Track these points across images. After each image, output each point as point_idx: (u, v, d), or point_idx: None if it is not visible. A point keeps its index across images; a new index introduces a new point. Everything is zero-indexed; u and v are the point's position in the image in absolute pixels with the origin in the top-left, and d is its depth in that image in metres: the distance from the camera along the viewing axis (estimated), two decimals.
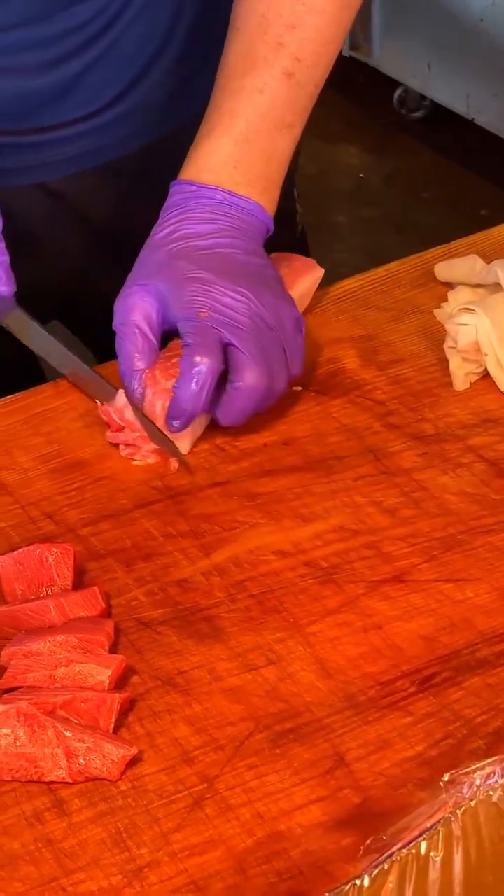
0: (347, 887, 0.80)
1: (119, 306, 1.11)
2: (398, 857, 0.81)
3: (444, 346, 1.18)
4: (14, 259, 1.13)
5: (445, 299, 1.24)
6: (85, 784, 0.87)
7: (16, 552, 0.99)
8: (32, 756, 0.87)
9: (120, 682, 0.92)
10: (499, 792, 0.84)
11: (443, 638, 0.95)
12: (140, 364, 1.10)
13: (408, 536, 1.03)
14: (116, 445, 1.12)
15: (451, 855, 0.83)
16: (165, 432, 1.10)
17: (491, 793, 0.84)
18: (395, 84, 3.79)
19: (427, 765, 0.86)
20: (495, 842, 0.84)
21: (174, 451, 1.10)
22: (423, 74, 3.61)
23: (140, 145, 1.30)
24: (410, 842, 0.82)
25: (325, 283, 1.27)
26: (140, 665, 0.94)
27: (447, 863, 0.83)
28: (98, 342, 1.46)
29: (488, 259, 1.25)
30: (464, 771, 0.85)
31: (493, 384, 1.16)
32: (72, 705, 0.89)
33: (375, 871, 0.80)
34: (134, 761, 0.87)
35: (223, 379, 1.08)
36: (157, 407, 1.09)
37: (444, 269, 1.28)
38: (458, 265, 1.26)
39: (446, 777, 0.85)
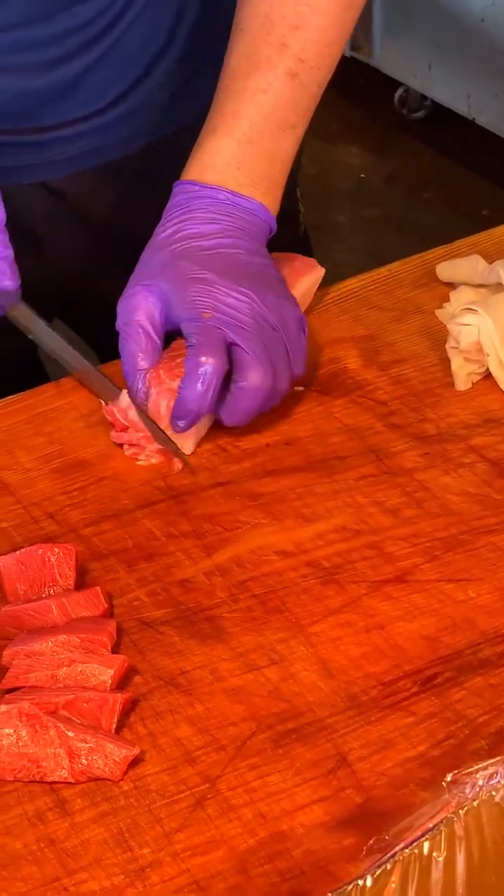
0: (350, 887, 0.80)
1: (122, 306, 1.11)
2: (401, 858, 0.81)
3: (446, 346, 1.18)
4: (16, 258, 1.13)
5: (447, 299, 1.24)
6: (87, 784, 0.87)
7: (18, 552, 0.99)
8: (35, 756, 0.87)
9: (122, 683, 0.92)
10: (501, 792, 0.84)
11: (445, 638, 0.95)
12: (144, 364, 1.10)
13: (410, 536, 1.03)
14: (120, 445, 1.12)
15: (454, 855, 0.83)
16: (168, 433, 1.10)
17: (493, 793, 0.84)
18: (395, 84, 3.79)
19: (429, 765, 0.86)
20: (498, 842, 0.84)
21: (177, 452, 1.10)
22: (423, 75, 3.61)
23: (141, 145, 1.30)
24: (413, 842, 0.82)
25: (326, 283, 1.27)
26: (142, 665, 0.94)
27: (450, 863, 0.83)
28: (100, 342, 1.46)
29: (490, 259, 1.25)
30: (466, 771, 0.85)
31: (495, 384, 1.16)
32: (74, 705, 0.89)
33: (378, 872, 0.80)
34: (136, 761, 0.87)
35: (227, 379, 1.08)
36: (162, 407, 1.09)
37: (446, 269, 1.28)
38: (460, 265, 1.26)
39: (449, 777, 0.85)
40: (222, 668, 0.93)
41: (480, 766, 0.85)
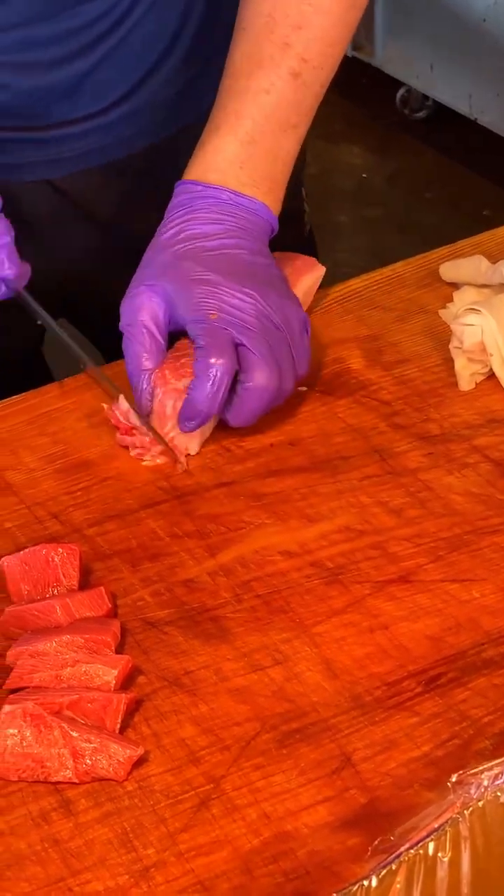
0: (355, 888, 0.80)
1: (126, 307, 1.11)
2: (406, 858, 0.81)
3: (450, 347, 1.18)
4: (22, 255, 1.13)
5: (451, 299, 1.24)
6: (91, 784, 0.87)
7: (22, 552, 0.99)
8: (39, 756, 0.87)
9: (126, 683, 0.92)
10: None
11: (449, 638, 0.95)
12: (148, 364, 1.10)
13: (413, 537, 1.03)
14: (126, 447, 1.12)
15: (459, 855, 0.83)
16: (172, 434, 1.10)
17: (499, 793, 0.84)
18: (397, 84, 3.79)
19: (433, 765, 0.86)
20: (503, 842, 0.84)
21: (175, 456, 1.10)
22: (425, 75, 3.61)
23: (145, 145, 1.30)
24: (418, 842, 0.82)
25: (328, 283, 1.27)
26: (146, 665, 0.94)
27: (455, 863, 0.83)
28: (104, 342, 1.46)
29: (494, 259, 1.25)
30: (471, 771, 0.85)
31: (499, 384, 1.16)
32: (78, 705, 0.89)
33: (383, 872, 0.80)
34: (140, 762, 0.87)
35: (232, 380, 1.08)
36: (168, 407, 1.09)
37: (450, 270, 1.28)
38: (463, 265, 1.26)
39: (454, 778, 0.85)
40: (226, 669, 0.93)
41: (486, 766, 0.85)
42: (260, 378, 1.07)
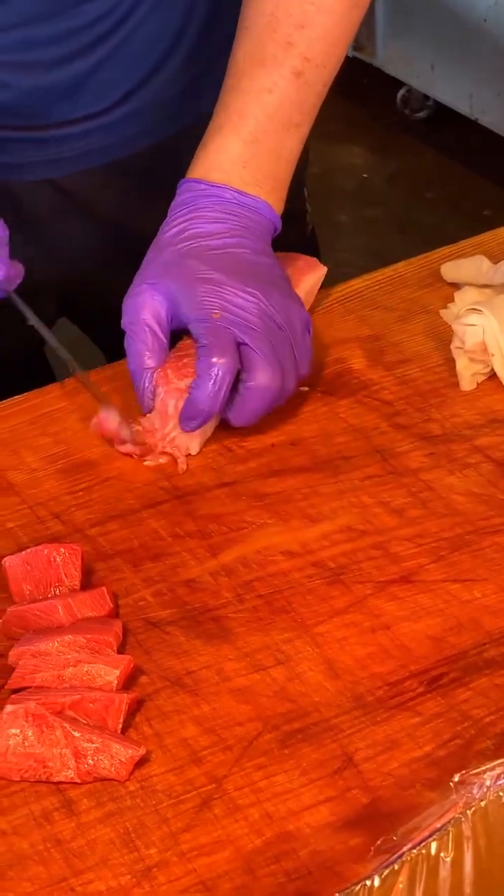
0: (358, 888, 0.80)
1: (128, 305, 1.11)
2: (408, 858, 0.81)
3: (451, 347, 1.18)
4: (22, 254, 1.13)
5: (452, 299, 1.24)
6: (93, 784, 0.87)
7: (24, 552, 0.99)
8: (41, 756, 0.87)
9: (128, 683, 0.92)
10: None
11: (450, 638, 0.95)
12: (150, 363, 1.10)
13: (415, 537, 1.03)
14: (128, 454, 1.11)
15: (462, 855, 0.83)
16: (174, 435, 1.10)
17: (501, 793, 0.84)
18: (398, 84, 3.79)
19: (435, 765, 0.86)
20: None
21: (175, 457, 1.10)
22: (426, 75, 3.61)
23: (147, 144, 1.30)
24: (421, 842, 0.82)
25: (328, 282, 1.27)
26: (148, 665, 0.94)
27: (457, 863, 0.83)
28: (105, 341, 1.47)
29: (495, 259, 1.25)
30: (474, 771, 0.85)
31: (500, 384, 1.16)
32: (80, 705, 0.89)
33: (386, 872, 0.80)
34: (142, 761, 0.87)
35: (234, 380, 1.08)
36: (170, 406, 1.09)
37: (451, 270, 1.28)
38: (464, 265, 1.26)
39: (456, 777, 0.85)
40: (228, 669, 0.93)
41: (488, 766, 0.85)
42: (262, 378, 1.07)
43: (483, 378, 1.17)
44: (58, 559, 0.98)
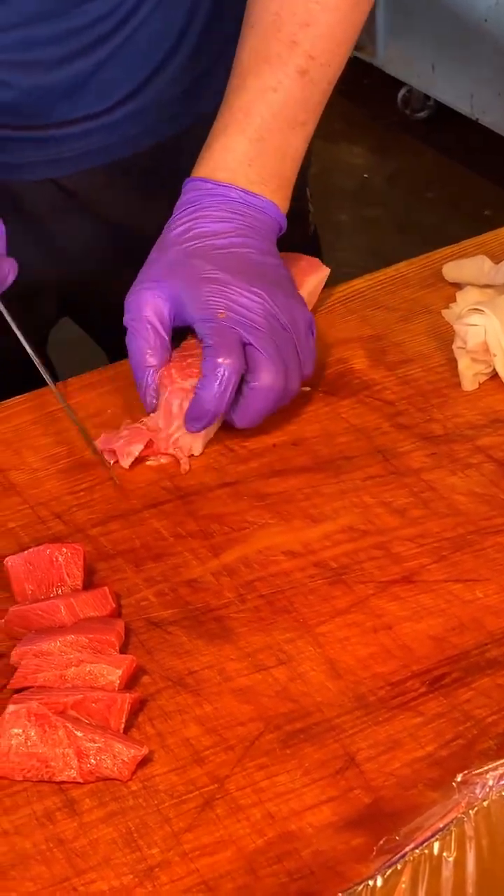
0: (360, 888, 0.80)
1: (130, 302, 1.11)
2: (411, 858, 0.81)
3: (453, 347, 1.18)
4: (23, 253, 1.13)
5: (454, 299, 1.24)
6: (96, 784, 0.87)
7: (26, 552, 0.99)
8: (43, 756, 0.87)
9: (130, 682, 0.92)
10: None
11: (452, 638, 0.95)
12: (152, 360, 1.10)
13: (417, 537, 1.03)
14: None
15: (464, 855, 0.83)
16: (178, 436, 1.10)
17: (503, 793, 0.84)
18: (398, 84, 3.79)
19: (437, 765, 0.86)
20: None
21: (108, 467, 1.10)
22: (426, 74, 3.61)
23: (150, 144, 1.30)
24: (423, 842, 0.82)
25: (330, 282, 1.27)
26: (150, 665, 0.94)
27: (460, 863, 0.83)
28: (108, 341, 1.46)
29: (497, 259, 1.25)
30: (476, 771, 0.85)
31: (502, 384, 1.16)
32: (82, 705, 0.89)
33: (388, 872, 0.81)
34: (144, 761, 0.87)
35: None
36: (174, 406, 1.09)
37: (453, 270, 1.28)
38: (466, 265, 1.26)
39: (459, 777, 0.85)
40: (230, 668, 0.93)
41: (491, 766, 0.85)
42: (266, 378, 1.07)
43: (485, 378, 1.17)
44: (60, 559, 0.99)
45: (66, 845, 0.83)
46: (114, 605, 0.97)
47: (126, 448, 1.10)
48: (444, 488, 1.07)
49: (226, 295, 1.08)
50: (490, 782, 0.84)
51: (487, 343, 1.15)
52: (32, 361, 1.12)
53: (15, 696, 0.90)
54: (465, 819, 0.83)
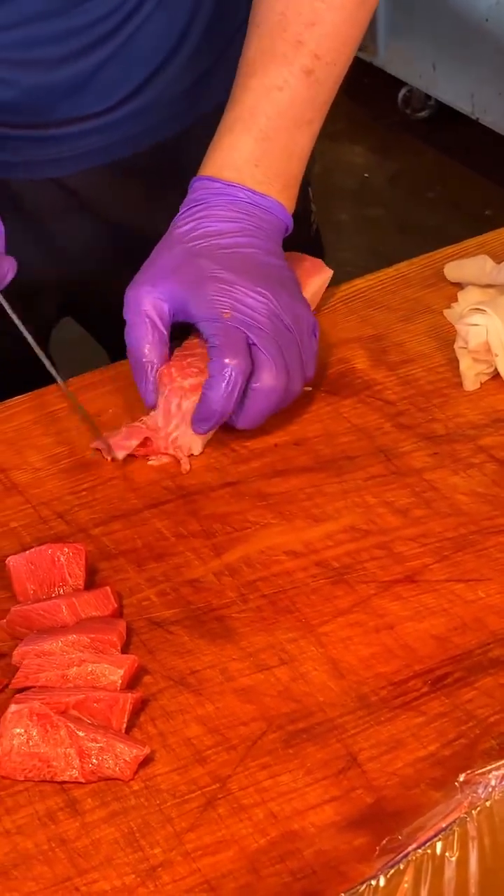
0: (363, 887, 0.80)
1: (130, 296, 1.11)
2: (413, 858, 0.81)
3: (455, 347, 1.18)
4: (23, 252, 1.12)
5: (455, 299, 1.24)
6: (97, 784, 0.87)
7: (27, 552, 0.99)
8: (45, 756, 0.87)
9: (132, 682, 0.92)
10: None
11: (455, 638, 0.95)
12: (150, 353, 1.10)
13: (419, 536, 1.03)
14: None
15: (467, 855, 0.83)
16: (176, 435, 1.09)
17: None
18: (399, 84, 3.79)
19: (440, 765, 0.86)
20: None
21: (110, 453, 1.10)
22: (427, 74, 3.61)
23: (152, 143, 1.30)
24: (426, 842, 0.82)
25: (331, 282, 1.27)
26: (152, 665, 0.94)
27: (463, 863, 0.83)
28: (109, 340, 1.46)
29: (498, 259, 1.25)
30: (479, 771, 0.85)
31: None
32: (84, 705, 0.89)
33: (391, 872, 0.80)
34: (146, 761, 0.87)
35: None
36: (173, 405, 1.09)
37: (454, 270, 1.28)
38: (467, 265, 1.26)
39: (462, 777, 0.85)
40: (232, 668, 0.93)
41: (494, 766, 0.85)
42: (268, 379, 1.07)
43: (486, 378, 1.17)
44: (61, 559, 0.99)
45: (68, 845, 0.83)
46: (115, 605, 0.97)
47: (123, 441, 1.10)
48: (446, 488, 1.07)
49: (231, 295, 1.08)
50: (493, 782, 0.84)
51: (489, 343, 1.15)
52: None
53: (17, 695, 0.90)
54: (468, 819, 0.83)
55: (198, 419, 1.08)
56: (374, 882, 0.80)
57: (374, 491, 1.07)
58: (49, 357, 1.44)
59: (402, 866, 0.81)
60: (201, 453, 1.11)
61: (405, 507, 1.05)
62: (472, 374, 1.16)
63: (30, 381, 1.20)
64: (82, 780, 0.87)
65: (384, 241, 3.35)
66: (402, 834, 0.82)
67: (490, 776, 0.85)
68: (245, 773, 0.87)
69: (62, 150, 1.28)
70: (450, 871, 0.82)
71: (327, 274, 1.24)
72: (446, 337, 1.21)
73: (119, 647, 0.93)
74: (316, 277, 1.22)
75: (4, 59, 1.20)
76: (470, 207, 3.45)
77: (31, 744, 0.87)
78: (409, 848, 0.82)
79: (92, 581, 1.01)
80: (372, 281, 1.30)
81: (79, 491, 1.09)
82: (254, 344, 1.07)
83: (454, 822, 0.83)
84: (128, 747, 0.87)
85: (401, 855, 0.81)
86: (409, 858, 0.81)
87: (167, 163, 1.30)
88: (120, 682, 0.91)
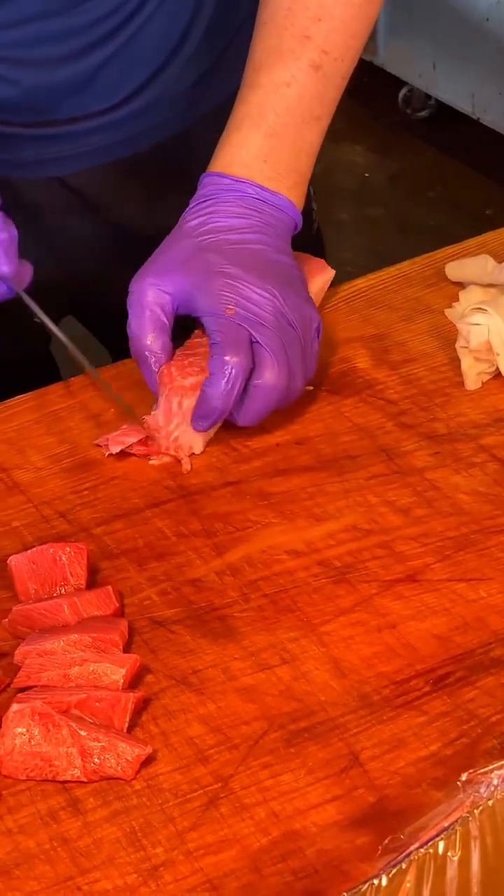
0: (365, 887, 0.80)
1: (135, 287, 1.11)
2: (416, 857, 0.81)
3: (456, 346, 1.18)
4: (26, 252, 1.13)
5: (457, 299, 1.24)
6: (99, 783, 0.87)
7: (29, 551, 0.99)
8: (47, 755, 0.87)
9: (134, 682, 0.92)
10: None
11: (456, 637, 0.95)
12: (152, 345, 1.10)
13: (420, 536, 1.03)
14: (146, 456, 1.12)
15: (469, 854, 0.83)
16: (177, 434, 1.10)
17: None
18: (400, 83, 3.79)
19: (441, 764, 0.86)
20: None
21: (133, 415, 1.11)
22: (428, 74, 3.61)
23: (152, 143, 1.30)
24: (428, 841, 0.82)
25: (332, 282, 1.27)
26: (154, 664, 0.94)
27: (465, 862, 0.83)
28: (111, 341, 1.46)
29: (499, 258, 1.25)
30: (481, 771, 0.85)
31: None
32: (86, 704, 0.89)
33: (393, 871, 0.81)
34: (148, 760, 0.87)
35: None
36: (174, 404, 1.09)
37: (456, 269, 1.28)
38: (469, 265, 1.26)
39: (464, 777, 0.85)
40: (234, 668, 0.93)
41: (496, 765, 0.85)
42: (270, 377, 1.07)
43: (488, 377, 1.17)
44: (63, 558, 0.99)
45: (69, 844, 0.83)
46: (117, 605, 0.97)
47: (119, 438, 1.10)
48: (447, 487, 1.07)
49: (237, 290, 1.08)
50: (495, 781, 0.84)
51: (490, 342, 1.15)
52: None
53: (19, 695, 0.90)
54: (470, 818, 0.83)
55: (197, 416, 1.08)
56: (376, 881, 0.80)
57: (376, 490, 1.07)
58: (52, 360, 1.45)
59: (404, 865, 0.81)
60: (202, 452, 1.11)
61: (407, 506, 1.05)
62: (473, 374, 1.16)
63: (31, 380, 1.20)
64: (84, 780, 0.87)
65: (384, 240, 3.35)
66: (404, 833, 0.82)
67: (492, 775, 0.85)
68: (247, 772, 0.87)
69: (63, 149, 1.28)
70: (452, 871, 0.82)
71: (329, 274, 1.24)
72: (448, 336, 1.21)
73: (121, 647, 0.93)
74: (318, 277, 1.22)
75: (5, 58, 1.20)
76: (470, 207, 3.45)
77: (33, 743, 0.87)
78: (412, 847, 0.82)
79: (94, 580, 1.01)
80: (374, 280, 1.30)
81: (80, 490, 1.09)
82: (257, 341, 1.07)
83: (456, 821, 0.83)
84: (130, 747, 0.87)
85: (403, 854, 0.81)
86: (412, 858, 0.81)
87: (168, 162, 1.30)
88: (122, 681, 0.91)
